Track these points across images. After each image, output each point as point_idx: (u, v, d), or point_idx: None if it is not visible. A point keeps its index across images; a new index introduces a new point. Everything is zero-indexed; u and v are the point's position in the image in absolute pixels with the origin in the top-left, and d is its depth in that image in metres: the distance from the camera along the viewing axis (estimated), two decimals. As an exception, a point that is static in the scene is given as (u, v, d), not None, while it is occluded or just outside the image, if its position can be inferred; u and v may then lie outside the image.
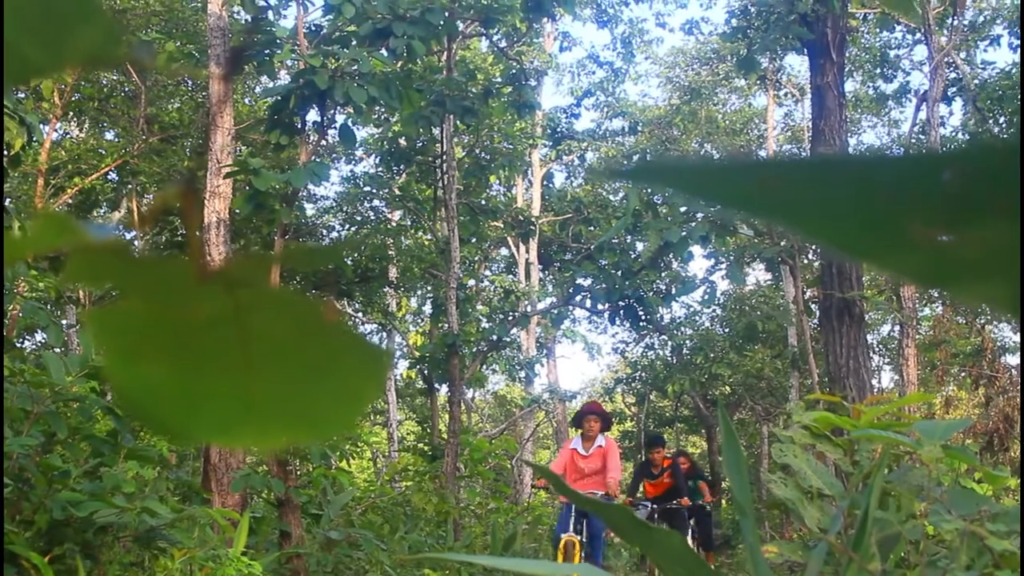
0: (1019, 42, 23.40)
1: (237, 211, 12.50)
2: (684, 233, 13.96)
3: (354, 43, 13.02)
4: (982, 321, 26.92)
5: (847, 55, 17.20)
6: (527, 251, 29.40)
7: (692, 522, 14.64)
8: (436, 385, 21.28)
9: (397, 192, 23.38)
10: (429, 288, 24.71)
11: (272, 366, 0.48)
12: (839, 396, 4.40)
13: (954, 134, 29.05)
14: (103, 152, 22.09)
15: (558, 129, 30.64)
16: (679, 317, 30.45)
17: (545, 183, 32.70)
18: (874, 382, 15.60)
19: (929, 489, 3.02)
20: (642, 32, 34.20)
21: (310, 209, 25.59)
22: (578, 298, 19.98)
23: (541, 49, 30.66)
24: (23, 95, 13.40)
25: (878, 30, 28.33)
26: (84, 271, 0.44)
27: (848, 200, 0.36)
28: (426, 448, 19.17)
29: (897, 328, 28.93)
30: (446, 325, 17.68)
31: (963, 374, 28.03)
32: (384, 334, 27.61)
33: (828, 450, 3.31)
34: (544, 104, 36.54)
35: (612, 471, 11.35)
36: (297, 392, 0.48)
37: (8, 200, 19.69)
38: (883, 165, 0.36)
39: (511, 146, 23.68)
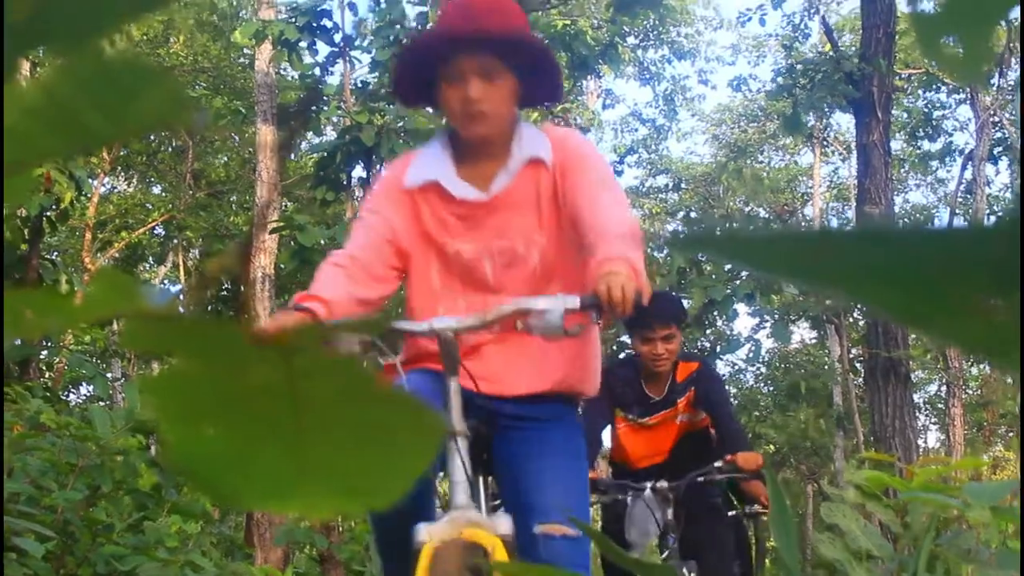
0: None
1: (282, 266, 12.56)
2: (729, 291, 13.91)
3: (400, 100, 13.08)
4: (1030, 381, 26.68)
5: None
6: (571, 307, 29.33)
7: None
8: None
9: (442, 248, 23.46)
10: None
11: (324, 434, 0.48)
12: (891, 456, 4.37)
13: (1001, 193, 28.91)
14: (150, 206, 22.34)
15: (602, 186, 30.70)
16: (723, 375, 30.28)
17: (589, 240, 32.71)
18: (920, 442, 15.46)
19: (977, 551, 2.99)
20: (684, 89, 34.31)
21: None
22: (622, 355, 19.94)
23: (585, 106, 30.80)
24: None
25: (921, 91, 28.30)
26: (141, 337, 0.45)
27: (900, 268, 0.36)
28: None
29: (944, 388, 28.71)
30: (490, 381, 17.66)
31: (1011, 434, 27.76)
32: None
33: (878, 510, 3.28)
34: (588, 161, 36.62)
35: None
36: (348, 461, 0.48)
37: (55, 253, 19.90)
38: (933, 234, 0.36)
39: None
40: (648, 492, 5.33)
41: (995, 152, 24.85)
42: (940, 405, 31.12)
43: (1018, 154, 24.15)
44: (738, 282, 14.17)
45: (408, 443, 0.47)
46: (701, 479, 5.32)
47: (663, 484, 5.32)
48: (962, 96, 27.23)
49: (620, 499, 5.46)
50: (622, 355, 9.69)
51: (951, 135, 29.08)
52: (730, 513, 6.05)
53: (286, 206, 18.18)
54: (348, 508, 0.49)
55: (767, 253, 0.36)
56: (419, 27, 13.32)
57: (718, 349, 19.68)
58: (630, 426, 5.89)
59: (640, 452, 5.93)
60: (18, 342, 8.93)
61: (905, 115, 28.40)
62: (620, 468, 6.01)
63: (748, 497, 6.37)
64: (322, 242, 12.19)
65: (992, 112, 23.90)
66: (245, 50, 21.06)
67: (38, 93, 0.46)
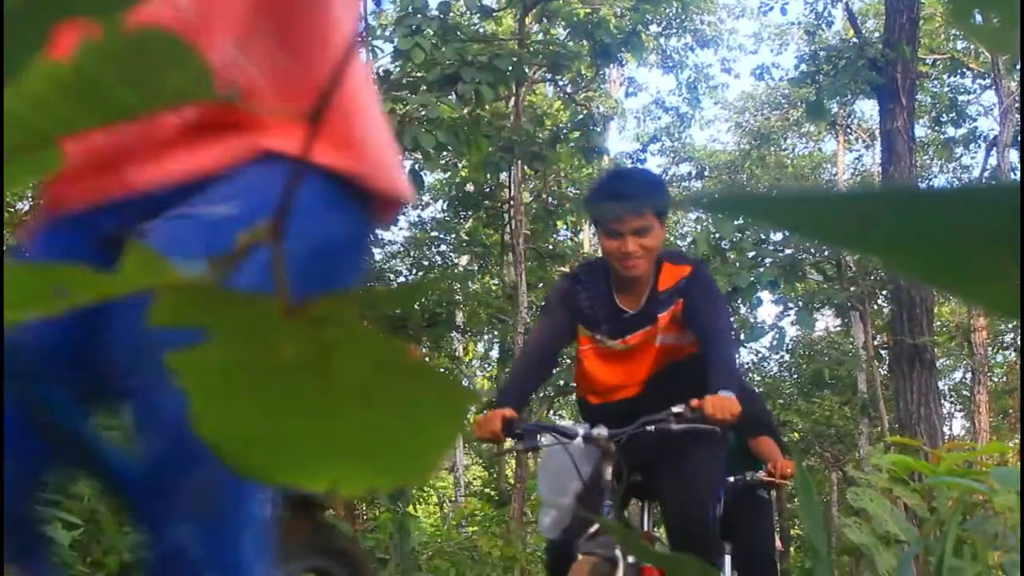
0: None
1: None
2: (753, 278, 13.86)
3: (423, 88, 13.11)
4: (1056, 368, 26.54)
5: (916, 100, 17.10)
6: (594, 296, 29.25)
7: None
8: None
9: (464, 237, 23.44)
10: (496, 333, 24.70)
11: (353, 407, 0.48)
12: (917, 441, 4.35)
13: (1026, 179, 28.73)
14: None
15: (624, 174, 30.60)
16: (747, 363, 30.24)
17: (612, 228, 32.66)
18: (945, 429, 15.40)
19: (1004, 537, 2.98)
20: (707, 77, 34.19)
21: (378, 253, 25.70)
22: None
23: (607, 95, 30.70)
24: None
25: (945, 76, 28.14)
26: (173, 310, 0.45)
27: (928, 228, 0.36)
28: (493, 493, 19.13)
29: (969, 375, 28.59)
30: (513, 370, 17.64)
31: (1037, 422, 27.63)
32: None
33: (904, 495, 3.27)
34: (610, 149, 36.64)
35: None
36: (378, 434, 0.48)
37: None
38: (966, 195, 0.36)
39: (578, 191, 23.72)
40: (579, 440, 3.98)
41: (1019, 138, 24.69)
42: (965, 392, 30.97)
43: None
44: (762, 270, 14.13)
45: (435, 416, 0.47)
46: (652, 428, 3.88)
47: (601, 432, 3.93)
48: (987, 82, 27.08)
49: (538, 447, 4.15)
50: None
51: (975, 120, 28.90)
52: (731, 479, 4.79)
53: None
54: (377, 482, 0.49)
55: (795, 213, 0.36)
56: (441, 16, 13.31)
57: (742, 337, 19.62)
58: (597, 349, 4.38)
59: (610, 381, 4.38)
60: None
61: (930, 99, 28.25)
62: (586, 407, 4.54)
63: (760, 460, 5.28)
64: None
65: (1016, 98, 23.76)
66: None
67: (67, 67, 0.46)
